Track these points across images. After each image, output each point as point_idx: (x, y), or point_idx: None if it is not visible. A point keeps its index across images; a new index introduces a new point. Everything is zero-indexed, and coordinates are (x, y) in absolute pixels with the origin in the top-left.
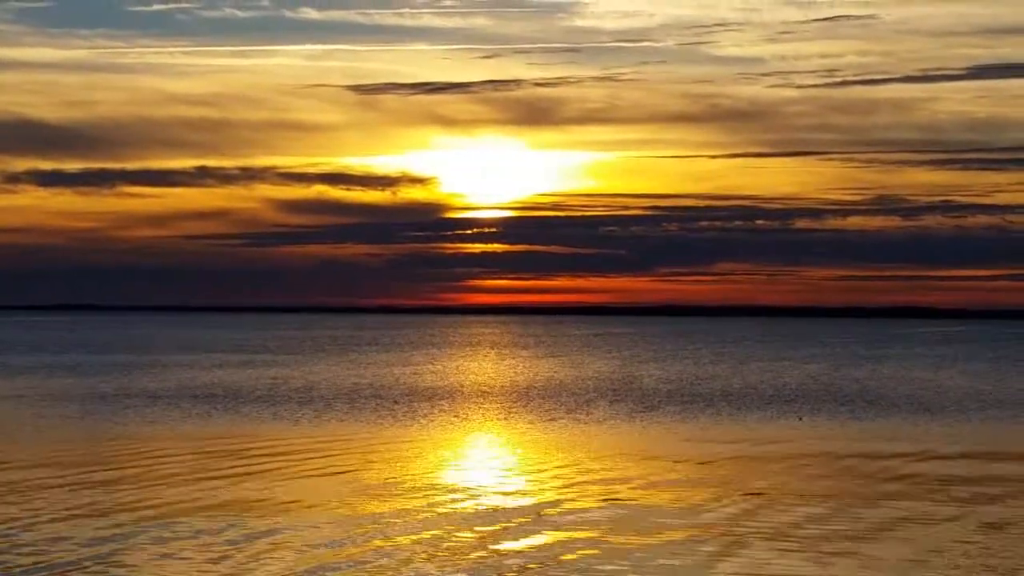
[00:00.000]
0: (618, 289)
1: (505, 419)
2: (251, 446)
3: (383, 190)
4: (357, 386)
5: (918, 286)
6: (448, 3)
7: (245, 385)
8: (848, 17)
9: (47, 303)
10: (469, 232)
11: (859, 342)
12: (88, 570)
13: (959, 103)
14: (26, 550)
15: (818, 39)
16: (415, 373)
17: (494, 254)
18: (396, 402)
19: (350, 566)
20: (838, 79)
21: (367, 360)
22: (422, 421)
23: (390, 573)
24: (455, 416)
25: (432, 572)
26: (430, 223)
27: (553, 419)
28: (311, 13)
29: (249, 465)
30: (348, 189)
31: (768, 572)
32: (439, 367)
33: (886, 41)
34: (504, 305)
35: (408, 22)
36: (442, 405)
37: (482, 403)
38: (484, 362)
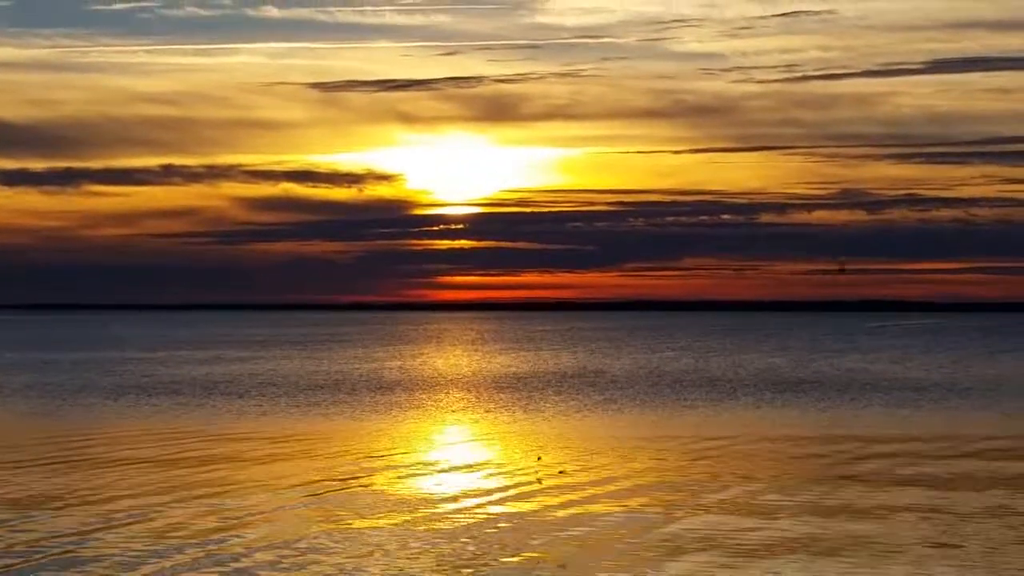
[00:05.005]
0: (585, 285)
1: (467, 411)
2: (215, 436)
3: (349, 187)
4: (321, 381)
5: (884, 279)
6: (409, 0)
7: (211, 380)
8: (807, 12)
9: (13, 303)
10: (436, 229)
11: (823, 335)
12: (52, 555)
13: (920, 97)
14: None
15: (778, 34)
16: (380, 368)
17: (462, 251)
18: (359, 396)
19: (312, 544)
20: (799, 74)
21: (334, 356)
22: (384, 413)
23: (356, 546)
24: (417, 408)
25: (395, 548)
26: (397, 220)
27: (514, 410)
28: (273, 11)
29: (213, 452)
30: (314, 187)
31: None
32: (404, 363)
33: (846, 36)
34: (473, 301)
35: (369, 20)
36: (404, 398)
37: (446, 396)
38: (450, 358)
